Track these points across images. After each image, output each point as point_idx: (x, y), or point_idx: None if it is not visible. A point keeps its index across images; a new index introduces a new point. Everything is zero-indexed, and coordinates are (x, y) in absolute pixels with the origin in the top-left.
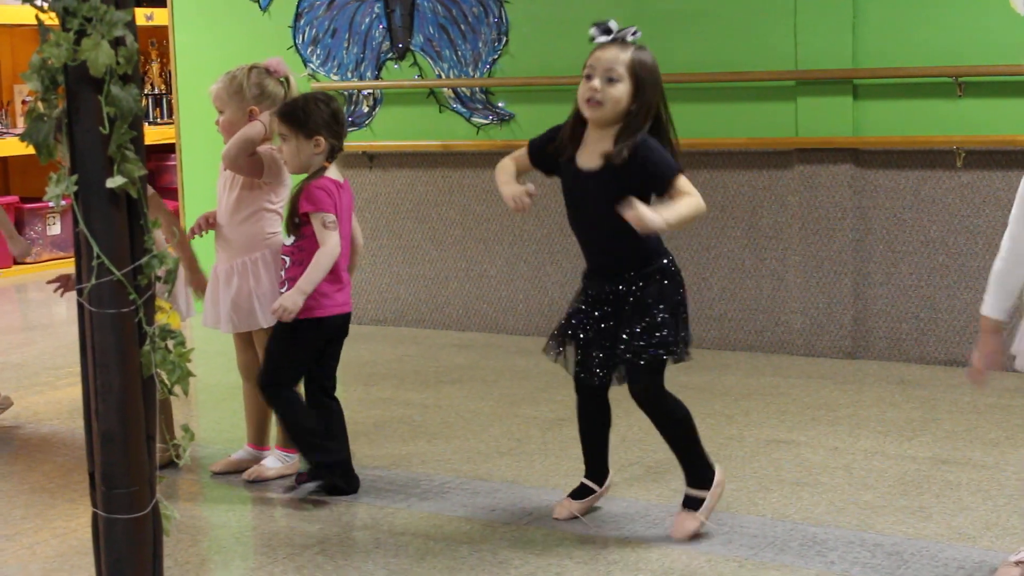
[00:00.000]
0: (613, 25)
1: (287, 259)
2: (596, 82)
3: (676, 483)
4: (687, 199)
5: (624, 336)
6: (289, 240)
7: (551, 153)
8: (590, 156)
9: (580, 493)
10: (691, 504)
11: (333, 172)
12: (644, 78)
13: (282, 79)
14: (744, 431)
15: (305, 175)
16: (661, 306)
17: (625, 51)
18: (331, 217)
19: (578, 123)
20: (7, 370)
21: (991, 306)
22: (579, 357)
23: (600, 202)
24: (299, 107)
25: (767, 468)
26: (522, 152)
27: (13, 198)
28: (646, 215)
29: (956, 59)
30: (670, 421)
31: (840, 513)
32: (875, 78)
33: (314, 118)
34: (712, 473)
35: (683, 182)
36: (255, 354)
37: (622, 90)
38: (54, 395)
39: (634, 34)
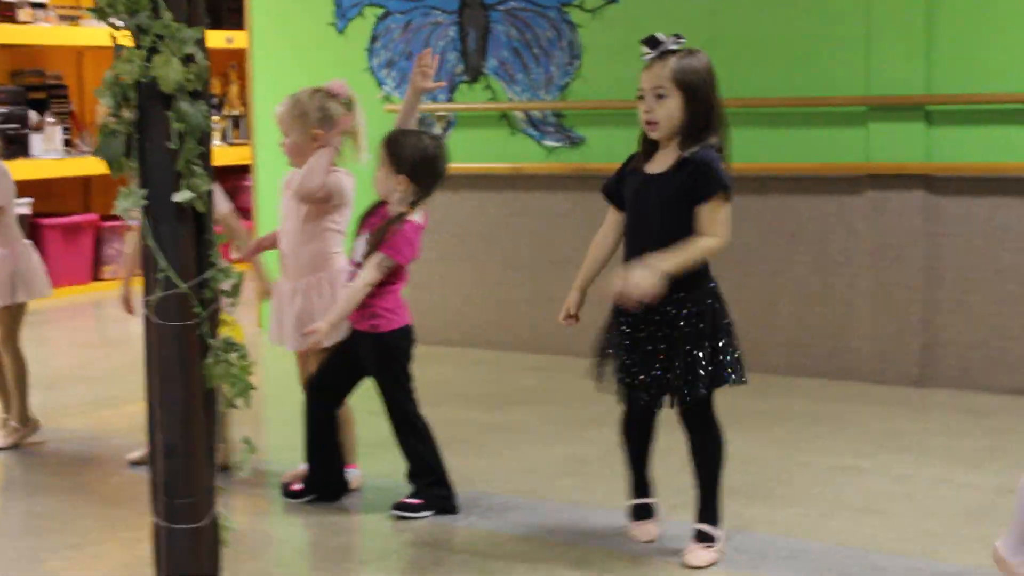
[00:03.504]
0: (660, 36)
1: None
2: (646, 103)
3: (733, 506)
4: (701, 244)
5: (676, 364)
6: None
7: (622, 181)
8: (658, 164)
9: (648, 512)
10: (704, 538)
11: (416, 215)
12: (693, 83)
13: (344, 100)
14: (810, 457)
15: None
16: (714, 333)
17: (666, 65)
18: (392, 264)
19: (648, 140)
20: (83, 384)
21: None
22: (626, 379)
23: (657, 207)
24: (397, 139)
25: (831, 494)
26: (609, 213)
27: (94, 216)
28: (638, 284)
29: None
30: (710, 449)
31: (903, 541)
32: (948, 104)
33: (401, 156)
34: (719, 517)
35: (715, 212)
36: None
37: (672, 105)
38: (126, 409)
39: (677, 41)
